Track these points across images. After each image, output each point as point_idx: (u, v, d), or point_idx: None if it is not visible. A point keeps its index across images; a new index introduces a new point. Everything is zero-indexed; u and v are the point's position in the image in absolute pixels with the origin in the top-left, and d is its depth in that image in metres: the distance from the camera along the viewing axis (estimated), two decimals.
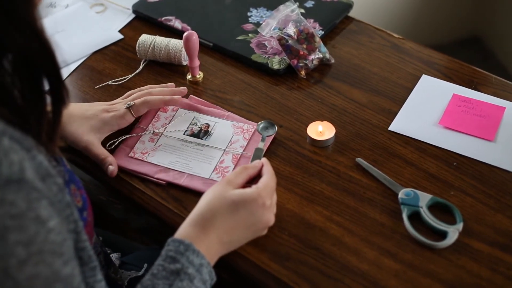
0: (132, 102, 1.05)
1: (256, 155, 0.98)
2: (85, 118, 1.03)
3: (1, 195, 0.59)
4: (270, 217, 0.89)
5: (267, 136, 1.03)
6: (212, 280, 0.83)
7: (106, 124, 1.03)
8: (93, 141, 1.02)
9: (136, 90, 1.11)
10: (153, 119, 1.10)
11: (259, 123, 1.05)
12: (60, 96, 0.71)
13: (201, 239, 0.83)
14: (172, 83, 1.14)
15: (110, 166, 1.00)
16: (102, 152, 1.02)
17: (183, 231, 0.84)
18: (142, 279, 0.80)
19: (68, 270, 0.65)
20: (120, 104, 1.07)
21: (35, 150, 0.65)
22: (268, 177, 0.89)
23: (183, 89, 1.12)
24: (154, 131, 1.07)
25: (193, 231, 0.83)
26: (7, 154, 0.61)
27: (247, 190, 0.87)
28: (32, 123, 0.68)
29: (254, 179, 0.91)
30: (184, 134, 1.08)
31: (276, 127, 1.04)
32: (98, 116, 1.03)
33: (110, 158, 1.02)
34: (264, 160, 0.93)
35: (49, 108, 0.71)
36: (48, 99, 0.71)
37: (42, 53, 0.67)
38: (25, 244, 0.60)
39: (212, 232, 0.84)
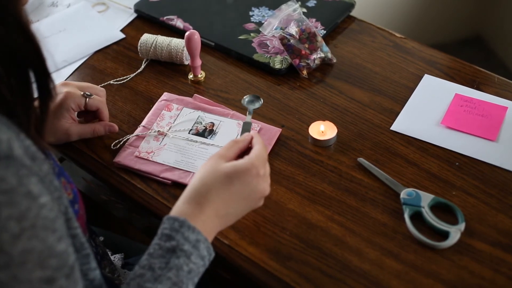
0: (91, 94, 1.05)
1: (245, 129, 0.96)
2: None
3: None
4: (265, 187, 0.87)
5: (254, 108, 1.01)
6: (211, 256, 0.82)
7: (60, 107, 1.02)
8: (74, 126, 1.04)
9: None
10: (158, 118, 1.10)
11: (244, 97, 1.03)
12: (47, 89, 0.72)
13: (196, 215, 0.82)
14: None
15: (110, 128, 1.05)
16: (91, 127, 1.05)
17: (178, 209, 0.83)
18: (139, 260, 0.79)
19: (63, 246, 0.65)
20: (72, 87, 1.05)
21: (23, 135, 0.65)
22: (260, 147, 0.88)
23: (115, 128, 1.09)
24: (159, 130, 1.07)
25: (188, 207, 0.83)
26: None
27: (240, 161, 0.86)
28: (21, 116, 0.69)
29: (244, 153, 0.90)
30: (189, 133, 1.07)
31: (262, 100, 1.02)
32: (55, 102, 1.01)
33: (97, 124, 1.06)
34: (253, 132, 0.92)
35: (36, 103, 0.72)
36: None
37: (28, 47, 0.68)
38: (17, 219, 0.61)
39: (208, 207, 0.83)
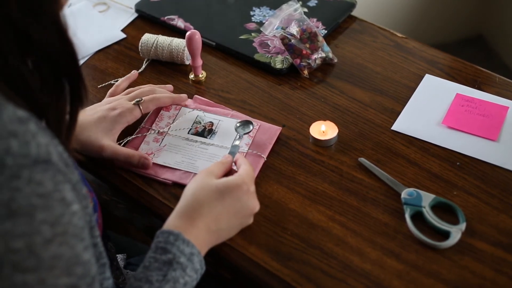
0: (140, 99, 1.05)
1: (232, 151, 1.00)
2: (95, 123, 1.00)
3: (29, 174, 0.60)
4: (255, 203, 0.90)
5: (244, 133, 1.05)
6: (202, 269, 0.83)
7: (116, 123, 1.02)
8: (111, 143, 1.00)
9: (136, 88, 1.11)
10: (156, 119, 1.09)
11: (236, 123, 1.06)
12: (79, 95, 0.72)
13: (189, 229, 0.84)
14: (171, 86, 1.15)
15: (144, 160, 0.99)
16: (126, 150, 1.00)
17: (171, 223, 0.85)
18: (134, 273, 0.80)
19: (88, 256, 0.66)
20: (123, 100, 1.05)
21: (56, 141, 0.65)
22: (247, 166, 0.92)
23: (184, 95, 1.11)
24: (158, 131, 1.07)
25: (181, 222, 0.84)
26: (35, 136, 0.61)
27: (231, 178, 0.89)
28: (52, 121, 0.69)
29: (227, 175, 0.93)
30: (188, 133, 1.07)
31: (253, 125, 1.05)
32: (107, 117, 1.01)
33: (137, 152, 1.01)
34: (239, 155, 0.96)
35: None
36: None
37: (64, 51, 0.68)
38: (51, 223, 0.61)
39: (200, 222, 0.85)
